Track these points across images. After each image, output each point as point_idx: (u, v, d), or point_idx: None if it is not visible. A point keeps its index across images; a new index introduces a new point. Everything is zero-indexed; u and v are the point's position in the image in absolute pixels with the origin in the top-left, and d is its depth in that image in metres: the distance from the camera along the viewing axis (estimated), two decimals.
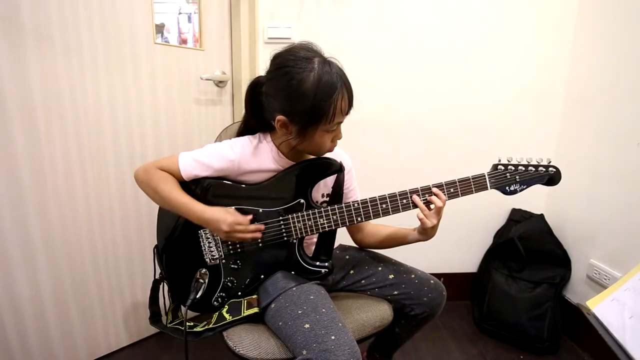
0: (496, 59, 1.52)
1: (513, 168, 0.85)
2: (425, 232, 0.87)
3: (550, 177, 0.86)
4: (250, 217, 0.83)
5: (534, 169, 0.85)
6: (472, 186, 0.85)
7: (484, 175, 0.85)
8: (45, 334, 1.16)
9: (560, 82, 1.54)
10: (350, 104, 0.81)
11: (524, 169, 0.85)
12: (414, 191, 0.85)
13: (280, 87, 0.79)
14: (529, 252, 1.47)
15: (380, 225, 1.00)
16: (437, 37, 1.50)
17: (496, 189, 0.86)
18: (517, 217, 1.60)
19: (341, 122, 0.83)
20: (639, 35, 1.24)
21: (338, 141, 0.88)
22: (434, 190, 0.84)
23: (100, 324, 1.29)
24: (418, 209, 0.85)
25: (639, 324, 0.63)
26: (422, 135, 1.58)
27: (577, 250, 1.48)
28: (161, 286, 0.95)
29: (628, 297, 0.68)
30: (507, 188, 0.86)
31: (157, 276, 0.94)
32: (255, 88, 0.86)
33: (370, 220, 0.88)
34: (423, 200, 0.85)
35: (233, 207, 0.84)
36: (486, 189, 0.86)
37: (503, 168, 0.85)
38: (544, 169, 0.85)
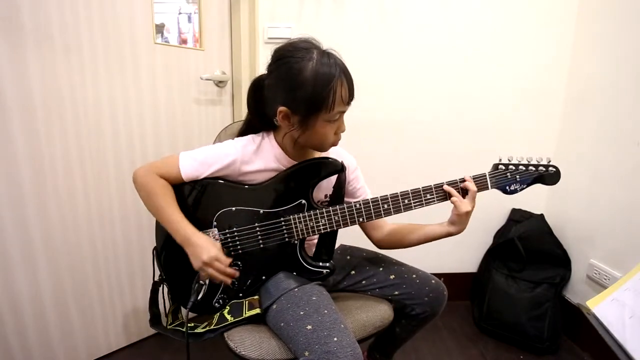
0: (496, 59, 1.52)
1: (513, 168, 0.86)
2: (460, 220, 0.86)
3: (550, 176, 0.87)
4: (229, 260, 0.82)
5: (534, 169, 0.87)
6: None
7: (485, 175, 0.87)
8: (45, 334, 1.16)
9: (560, 82, 1.55)
10: (350, 93, 0.80)
11: (524, 168, 0.86)
12: (415, 191, 0.86)
13: (281, 77, 0.80)
14: (529, 252, 1.47)
15: (402, 224, 0.97)
16: (437, 37, 1.50)
17: (497, 188, 0.87)
18: (517, 217, 1.60)
19: (343, 112, 0.82)
20: (639, 35, 1.24)
21: (341, 142, 0.87)
22: (467, 177, 0.85)
23: (100, 324, 1.29)
24: (450, 198, 0.85)
25: (639, 324, 0.63)
26: (423, 135, 1.58)
27: (577, 250, 1.48)
28: (161, 288, 0.94)
29: (628, 297, 0.68)
30: (507, 187, 0.87)
31: (157, 278, 0.94)
32: (258, 84, 0.86)
33: (387, 219, 0.87)
34: (424, 200, 0.86)
35: (220, 244, 0.83)
36: (487, 188, 0.87)
37: (504, 168, 0.87)
38: (544, 169, 0.87)
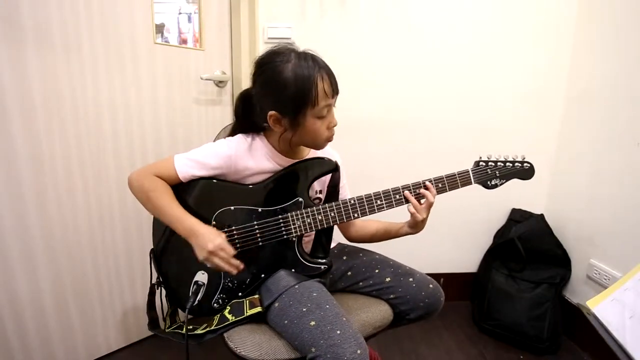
0: (497, 60, 1.52)
1: (493, 164, 0.92)
2: (416, 225, 0.91)
3: (525, 171, 0.92)
4: (234, 251, 0.82)
5: (511, 165, 0.92)
6: (458, 181, 0.90)
7: (468, 171, 0.91)
8: (45, 334, 1.16)
9: (560, 82, 1.54)
10: (333, 87, 0.82)
11: (502, 164, 0.92)
12: (406, 187, 0.89)
13: (265, 84, 0.83)
14: (529, 252, 1.47)
15: (370, 220, 1.01)
16: (438, 37, 1.50)
17: (479, 183, 0.92)
18: (517, 217, 1.60)
19: (329, 106, 0.83)
20: (639, 35, 1.24)
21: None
22: (427, 184, 0.88)
23: (100, 325, 1.29)
24: (410, 203, 0.88)
25: (639, 324, 0.63)
26: (423, 135, 1.58)
27: (577, 250, 1.48)
28: (158, 291, 0.93)
29: (628, 297, 0.68)
30: (488, 182, 0.92)
31: (154, 281, 0.93)
32: (246, 96, 0.90)
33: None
34: (414, 195, 0.89)
35: (225, 235, 0.83)
36: (470, 183, 0.91)
37: (484, 164, 0.92)
38: (520, 165, 0.92)
